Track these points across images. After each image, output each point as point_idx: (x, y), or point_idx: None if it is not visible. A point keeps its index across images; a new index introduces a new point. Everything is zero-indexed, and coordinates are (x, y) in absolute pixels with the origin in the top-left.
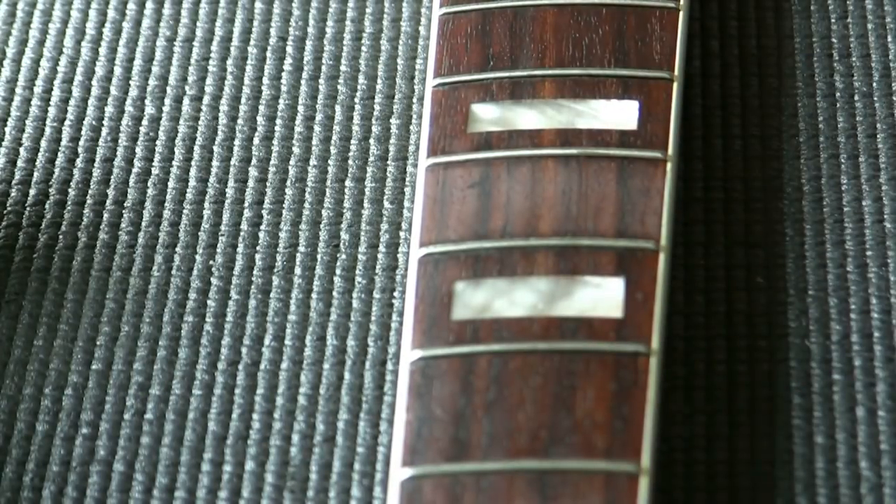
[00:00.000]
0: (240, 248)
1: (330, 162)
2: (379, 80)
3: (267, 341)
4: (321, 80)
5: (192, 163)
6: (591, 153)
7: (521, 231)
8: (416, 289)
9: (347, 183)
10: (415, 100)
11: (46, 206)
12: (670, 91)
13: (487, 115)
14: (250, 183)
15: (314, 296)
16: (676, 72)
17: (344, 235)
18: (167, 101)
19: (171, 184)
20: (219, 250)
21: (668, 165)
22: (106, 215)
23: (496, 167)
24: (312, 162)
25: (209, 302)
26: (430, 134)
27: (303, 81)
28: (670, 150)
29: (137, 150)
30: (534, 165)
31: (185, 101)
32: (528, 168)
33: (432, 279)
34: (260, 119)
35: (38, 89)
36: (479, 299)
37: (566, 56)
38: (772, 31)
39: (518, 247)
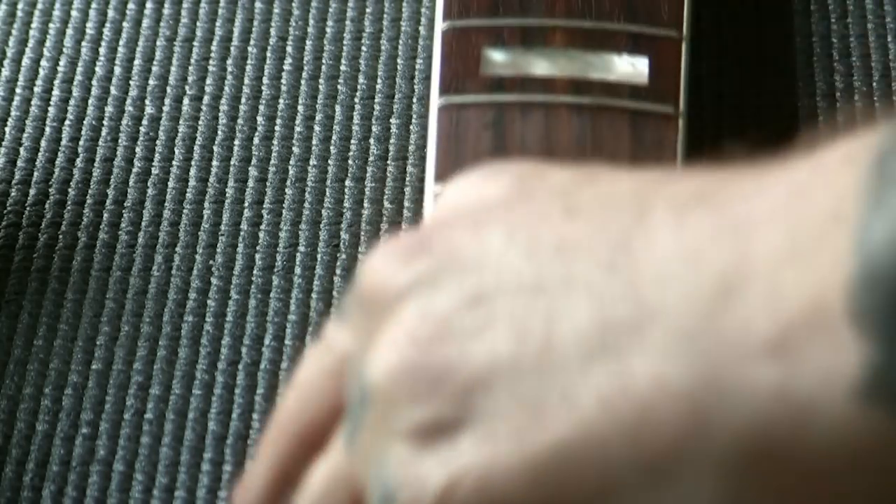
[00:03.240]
0: (240, 248)
1: (330, 162)
2: (379, 80)
3: (267, 341)
4: (321, 80)
5: (192, 163)
6: (604, 103)
7: None
8: None
9: (347, 183)
10: (415, 100)
11: (46, 206)
12: (679, 49)
13: (499, 60)
14: (250, 183)
15: (314, 296)
16: (685, 31)
17: (344, 235)
18: (167, 101)
19: (171, 184)
20: (219, 250)
21: (680, 122)
22: (106, 215)
23: (510, 111)
24: (312, 162)
25: (209, 302)
26: (442, 73)
27: (303, 81)
28: (681, 107)
29: (137, 150)
30: (547, 112)
31: (185, 101)
32: (542, 115)
33: None
34: (260, 119)
35: (38, 89)
36: None
37: (575, 7)
38: (772, 31)
39: None
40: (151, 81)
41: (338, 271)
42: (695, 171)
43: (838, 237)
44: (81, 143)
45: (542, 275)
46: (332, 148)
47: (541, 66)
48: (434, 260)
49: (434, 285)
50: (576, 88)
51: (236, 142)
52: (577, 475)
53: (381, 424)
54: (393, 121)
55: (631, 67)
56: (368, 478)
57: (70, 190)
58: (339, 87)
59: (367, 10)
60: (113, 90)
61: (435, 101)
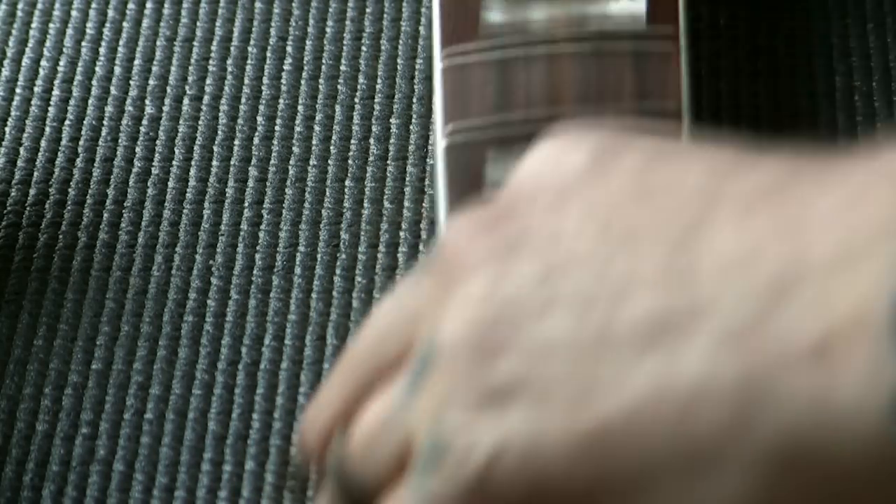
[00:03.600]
0: (240, 248)
1: (330, 162)
2: (379, 80)
3: (267, 341)
4: (321, 80)
5: (192, 163)
6: (604, 49)
7: (543, 107)
8: (446, 173)
9: (347, 183)
10: (415, 100)
11: (46, 206)
12: None
13: (498, 9)
14: (250, 183)
15: (314, 296)
16: None
17: (344, 235)
18: (167, 101)
19: (171, 184)
20: (219, 250)
21: (682, 57)
22: (106, 215)
23: (511, 62)
24: (312, 162)
25: (209, 302)
26: (442, 27)
27: (303, 81)
28: (682, 46)
29: (137, 150)
30: (549, 61)
31: (185, 101)
32: (544, 64)
33: (461, 159)
34: (260, 119)
35: (38, 89)
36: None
37: None
38: (771, 30)
39: (544, 116)
40: (151, 81)
41: (338, 271)
42: (763, 159)
43: (887, 249)
44: (81, 143)
45: (610, 259)
46: (332, 148)
47: (539, 13)
48: (512, 234)
49: (508, 259)
50: (575, 35)
51: (236, 142)
52: (619, 456)
53: (442, 383)
54: (393, 121)
55: (629, 12)
56: (421, 430)
57: (70, 190)
58: (339, 87)
59: (367, 10)
60: (113, 90)
61: (437, 53)
